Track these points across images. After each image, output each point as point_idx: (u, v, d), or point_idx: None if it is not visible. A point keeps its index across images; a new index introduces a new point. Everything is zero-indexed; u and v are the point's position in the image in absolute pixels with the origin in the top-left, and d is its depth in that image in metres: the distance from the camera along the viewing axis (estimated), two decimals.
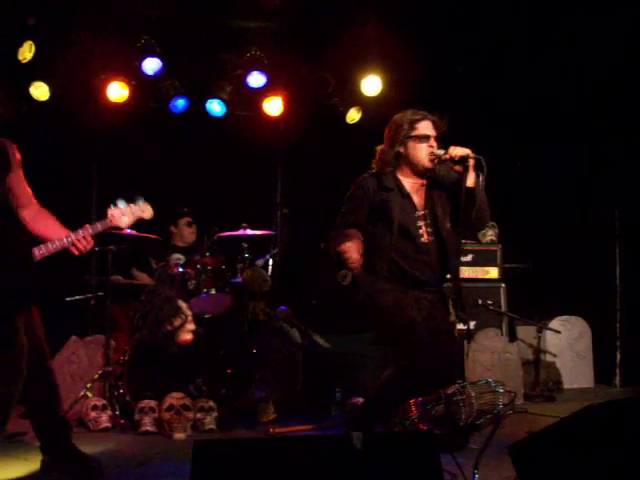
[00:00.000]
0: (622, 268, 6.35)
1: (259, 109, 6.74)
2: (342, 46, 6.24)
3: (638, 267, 6.20)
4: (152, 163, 6.72)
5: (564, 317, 6.39)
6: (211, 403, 4.83)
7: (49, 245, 3.54)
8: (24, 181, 3.64)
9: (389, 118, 3.95)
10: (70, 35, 5.84)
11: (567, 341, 6.37)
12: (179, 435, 4.60)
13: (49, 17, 5.77)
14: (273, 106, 6.70)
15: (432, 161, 3.77)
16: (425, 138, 3.77)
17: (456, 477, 3.48)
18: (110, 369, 5.02)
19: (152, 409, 4.71)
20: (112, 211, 3.76)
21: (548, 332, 6.21)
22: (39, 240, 3.56)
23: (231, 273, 5.71)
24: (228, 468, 2.55)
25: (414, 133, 3.77)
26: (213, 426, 4.76)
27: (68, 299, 5.62)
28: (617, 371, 6.33)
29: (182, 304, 5.04)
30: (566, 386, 6.20)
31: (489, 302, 5.94)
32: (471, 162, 3.65)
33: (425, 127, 3.79)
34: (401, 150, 3.80)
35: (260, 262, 6.09)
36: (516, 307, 6.11)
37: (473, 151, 3.70)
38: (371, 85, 6.53)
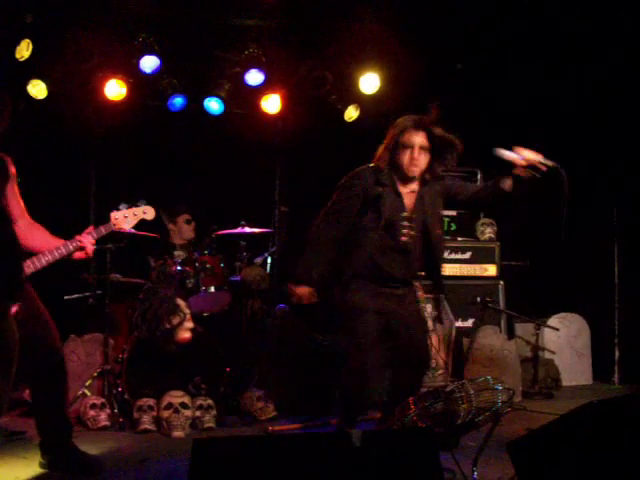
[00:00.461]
0: (621, 266, 6.36)
1: (257, 107, 6.73)
2: (340, 44, 6.24)
3: (637, 265, 6.20)
4: (150, 161, 6.72)
5: (562, 314, 6.40)
6: (210, 401, 4.83)
7: (41, 258, 3.55)
8: (18, 195, 3.66)
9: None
10: (68, 33, 5.83)
11: (566, 338, 6.37)
12: (178, 433, 4.60)
13: (47, 15, 5.76)
14: (271, 104, 6.69)
15: (413, 172, 3.85)
16: (409, 147, 3.83)
17: (455, 475, 3.49)
18: (109, 367, 5.02)
19: (151, 407, 4.71)
20: (115, 214, 3.80)
21: (546, 329, 6.22)
22: (30, 254, 3.57)
23: (230, 271, 5.71)
24: (227, 466, 2.55)
25: (402, 140, 3.85)
26: (212, 424, 4.76)
27: (66, 297, 5.62)
28: (616, 368, 6.34)
29: (180, 302, 5.03)
30: (565, 383, 6.20)
31: (487, 299, 5.95)
32: (543, 168, 3.69)
33: (412, 135, 3.83)
34: (390, 154, 3.90)
35: (259, 260, 6.09)
36: (514, 304, 6.11)
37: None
38: (369, 83, 6.53)
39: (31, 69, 5.89)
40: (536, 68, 6.28)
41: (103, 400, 4.84)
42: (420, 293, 4.09)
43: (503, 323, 6.05)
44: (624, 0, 5.61)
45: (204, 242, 5.77)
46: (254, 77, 6.44)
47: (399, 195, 3.91)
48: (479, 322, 5.88)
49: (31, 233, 3.65)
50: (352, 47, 6.37)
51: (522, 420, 4.77)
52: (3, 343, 3.33)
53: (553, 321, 6.30)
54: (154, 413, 4.70)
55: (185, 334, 4.99)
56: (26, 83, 5.91)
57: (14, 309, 3.32)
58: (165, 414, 4.65)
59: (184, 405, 4.69)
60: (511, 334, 6.12)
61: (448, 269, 5.98)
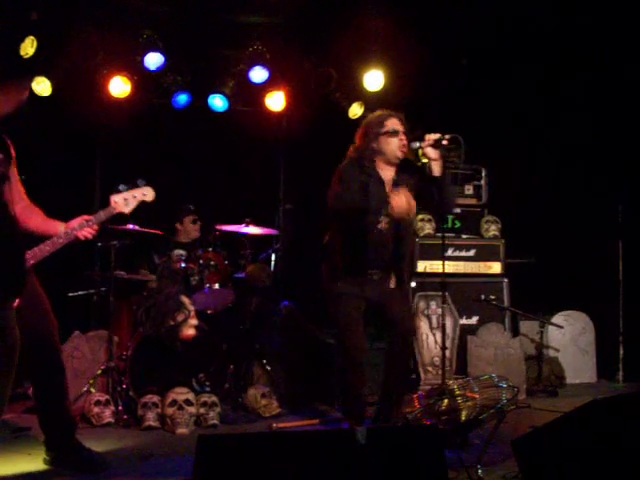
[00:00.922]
0: (625, 263, 6.34)
1: (261, 104, 6.73)
2: (344, 41, 6.22)
3: None
4: (154, 158, 6.72)
5: (567, 312, 6.38)
6: (214, 398, 4.83)
7: (43, 249, 3.56)
8: (17, 178, 3.66)
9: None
10: (72, 30, 5.83)
11: (570, 336, 6.36)
12: (182, 430, 4.60)
13: (51, 12, 5.76)
14: (275, 101, 6.69)
15: (404, 152, 4.19)
16: (394, 133, 4.18)
17: (460, 472, 3.48)
18: (113, 364, 5.02)
19: (155, 404, 4.71)
20: (115, 198, 3.76)
21: (551, 327, 6.21)
22: (28, 235, 3.58)
23: (234, 268, 5.71)
24: (231, 463, 2.55)
25: (384, 130, 4.19)
26: (216, 421, 4.76)
27: (71, 294, 5.62)
28: (620, 366, 6.33)
29: (185, 299, 5.04)
30: (569, 381, 6.19)
31: (492, 297, 5.94)
32: (445, 142, 4.04)
33: (393, 123, 4.21)
34: (374, 146, 4.21)
35: (263, 257, 6.09)
36: (519, 302, 6.09)
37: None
38: (373, 80, 6.52)
39: (36, 66, 5.89)
40: (541, 65, 6.26)
41: (107, 397, 4.84)
42: (394, 274, 4.34)
43: (507, 321, 6.04)
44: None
45: (208, 239, 5.78)
46: (258, 74, 6.44)
47: (382, 182, 4.22)
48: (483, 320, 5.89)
49: (29, 216, 3.67)
50: (356, 44, 6.35)
51: (526, 418, 4.76)
52: (4, 340, 3.33)
53: (557, 319, 6.29)
54: (158, 410, 4.70)
55: (189, 331, 5.00)
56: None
57: (15, 303, 3.34)
58: (169, 411, 4.65)
59: (188, 402, 4.69)
60: (515, 332, 6.11)
61: (452, 266, 5.99)
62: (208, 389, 4.97)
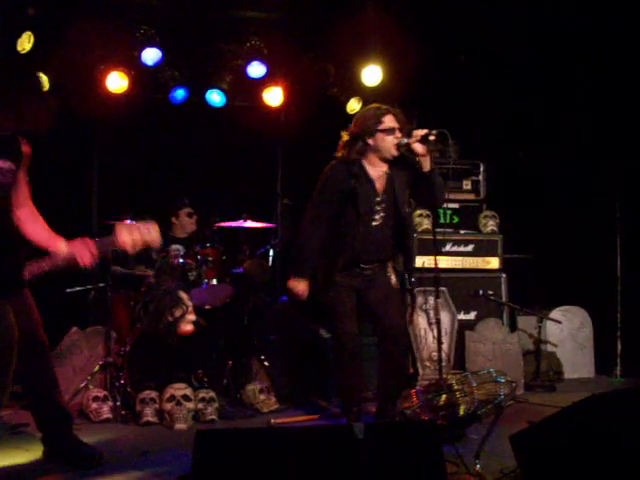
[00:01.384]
0: (623, 259, 6.34)
1: (259, 99, 6.71)
2: (342, 36, 6.20)
3: (639, 258, 6.19)
4: (152, 154, 6.71)
5: (565, 307, 6.38)
6: (212, 394, 4.84)
7: (42, 264, 3.53)
8: (25, 182, 3.64)
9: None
10: (69, 25, 5.81)
11: (568, 331, 6.37)
12: (180, 426, 4.60)
13: (48, 7, 5.74)
14: (273, 96, 6.68)
15: (398, 150, 4.15)
16: (391, 130, 4.14)
17: (458, 467, 3.49)
18: (111, 360, 5.02)
19: (153, 400, 4.71)
20: (123, 235, 3.64)
21: (549, 322, 6.21)
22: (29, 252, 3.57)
23: (232, 264, 5.71)
24: (229, 458, 2.55)
25: (381, 127, 4.14)
26: (214, 417, 4.77)
27: (68, 290, 5.61)
28: (618, 361, 6.33)
29: (183, 295, 5.04)
30: (567, 376, 6.19)
31: (490, 292, 5.94)
32: (432, 137, 4.02)
33: (390, 120, 4.15)
34: (370, 142, 4.17)
35: (261, 253, 6.09)
36: (517, 297, 6.10)
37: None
38: (371, 75, 6.50)
39: (33, 62, 5.88)
40: (539, 59, 6.25)
41: (106, 393, 4.85)
42: (390, 269, 4.36)
43: (505, 316, 6.04)
44: None
45: (206, 234, 5.77)
46: (256, 69, 6.42)
47: (371, 181, 4.20)
48: (481, 315, 5.89)
49: (31, 223, 3.62)
50: (354, 39, 6.34)
51: (524, 413, 4.76)
52: (1, 339, 3.33)
53: (555, 314, 6.29)
54: (156, 405, 4.71)
55: (187, 327, 5.00)
56: None
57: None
58: (167, 406, 4.65)
59: (186, 397, 4.69)
60: (513, 327, 6.11)
61: (450, 262, 5.98)
62: (206, 384, 4.97)
